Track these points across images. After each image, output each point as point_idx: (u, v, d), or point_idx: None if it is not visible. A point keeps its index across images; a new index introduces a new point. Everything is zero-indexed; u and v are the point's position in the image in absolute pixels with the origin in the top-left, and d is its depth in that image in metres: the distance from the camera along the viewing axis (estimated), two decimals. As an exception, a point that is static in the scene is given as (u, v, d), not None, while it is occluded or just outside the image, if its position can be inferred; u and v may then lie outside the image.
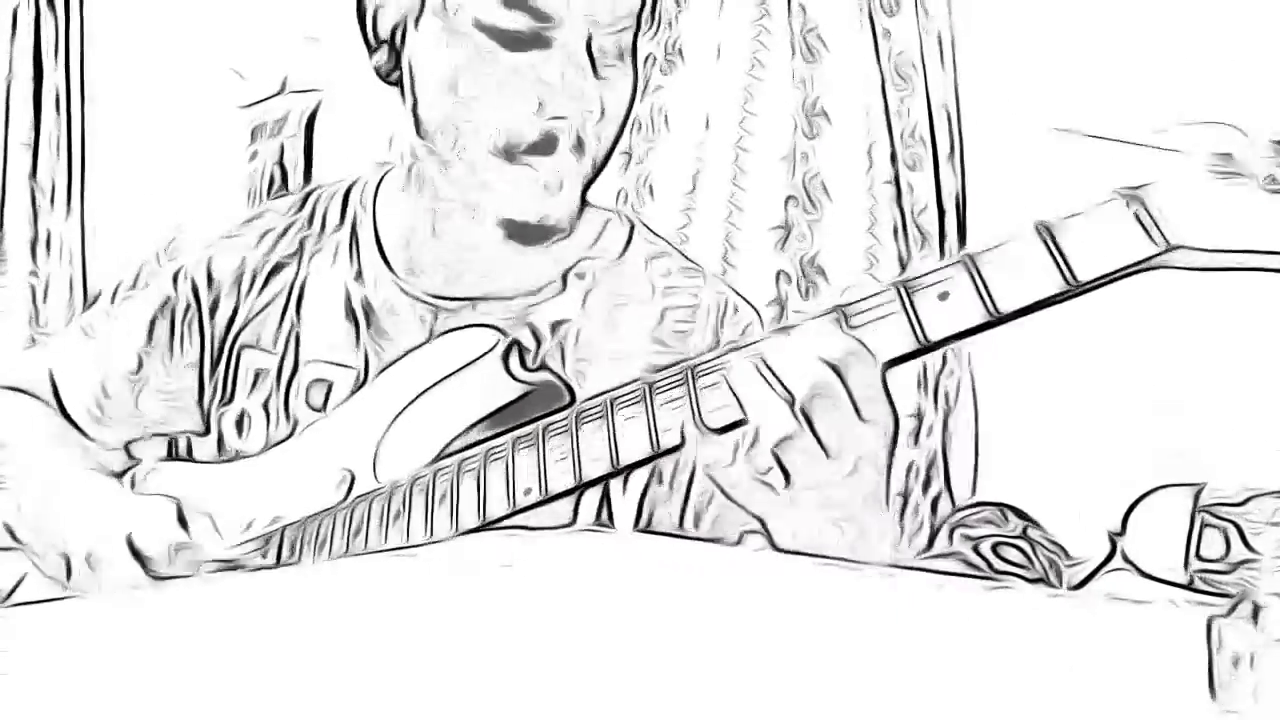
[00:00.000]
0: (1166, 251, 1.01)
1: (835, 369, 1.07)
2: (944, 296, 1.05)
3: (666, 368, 1.16)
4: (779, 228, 1.51)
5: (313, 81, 1.51)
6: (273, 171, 1.51)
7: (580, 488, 1.17)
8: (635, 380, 1.16)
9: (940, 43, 1.52)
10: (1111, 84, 1.41)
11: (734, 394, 1.10)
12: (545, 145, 1.26)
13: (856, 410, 1.07)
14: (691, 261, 1.38)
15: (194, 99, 1.51)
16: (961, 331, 1.06)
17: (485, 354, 1.28)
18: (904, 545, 1.14)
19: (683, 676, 1.08)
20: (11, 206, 1.51)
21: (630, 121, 1.30)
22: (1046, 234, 1.04)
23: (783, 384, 1.08)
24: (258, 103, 1.52)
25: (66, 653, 1.15)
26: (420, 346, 1.30)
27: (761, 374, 1.09)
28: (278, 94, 1.52)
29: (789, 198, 1.51)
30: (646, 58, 1.51)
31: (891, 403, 1.09)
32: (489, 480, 1.19)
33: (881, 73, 1.52)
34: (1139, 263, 1.01)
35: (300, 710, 1.10)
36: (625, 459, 1.14)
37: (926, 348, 1.07)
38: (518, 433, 1.20)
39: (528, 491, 1.17)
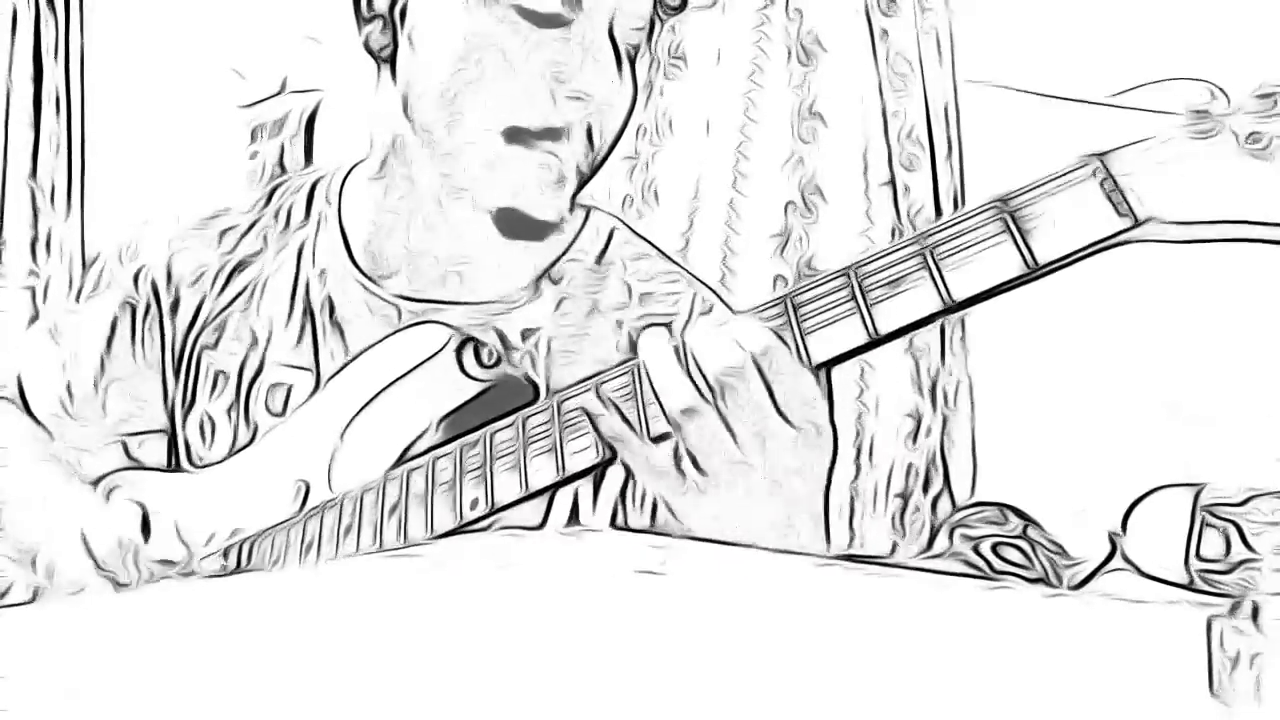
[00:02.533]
0: (1135, 226, 0.91)
1: (755, 359, 1.02)
2: (895, 284, 0.98)
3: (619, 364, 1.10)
4: (778, 235, 1.51)
5: (313, 81, 1.51)
6: (273, 171, 1.50)
7: (528, 497, 1.11)
8: (584, 380, 1.10)
9: (938, 42, 1.52)
10: (1110, 84, 1.42)
11: (641, 365, 1.05)
12: (556, 132, 1.20)
13: (777, 407, 1.02)
14: (675, 263, 1.33)
15: (194, 99, 1.50)
16: (913, 323, 0.98)
17: (436, 353, 1.22)
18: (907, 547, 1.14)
19: (681, 676, 1.08)
20: (11, 206, 1.51)
21: (635, 127, 1.28)
22: (1005, 211, 0.95)
23: (695, 360, 1.02)
24: (258, 103, 1.52)
25: (68, 653, 1.15)
26: (369, 348, 1.25)
27: (675, 349, 1.04)
28: (278, 94, 1.52)
29: (789, 203, 1.51)
30: (650, 62, 1.50)
31: (831, 418, 1.03)
32: (436, 491, 1.14)
33: (879, 73, 1.52)
34: (1105, 239, 0.92)
35: (292, 712, 1.10)
36: (571, 467, 1.09)
37: (875, 341, 0.99)
38: (465, 439, 1.15)
39: (474, 503, 1.12)
